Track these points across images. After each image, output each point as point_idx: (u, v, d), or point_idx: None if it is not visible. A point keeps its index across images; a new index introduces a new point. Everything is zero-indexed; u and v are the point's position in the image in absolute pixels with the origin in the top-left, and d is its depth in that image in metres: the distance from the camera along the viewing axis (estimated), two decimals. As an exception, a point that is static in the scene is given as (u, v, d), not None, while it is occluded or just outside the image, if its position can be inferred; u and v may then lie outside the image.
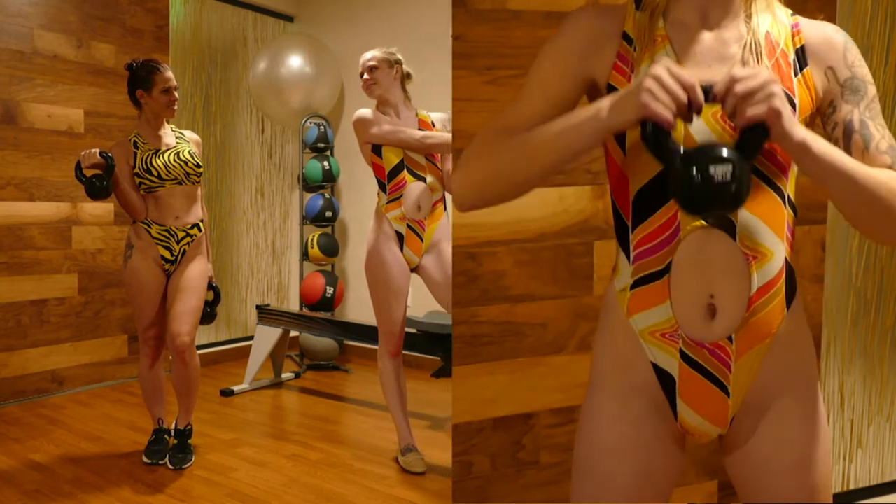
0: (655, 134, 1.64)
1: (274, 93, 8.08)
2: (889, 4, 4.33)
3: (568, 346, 3.41)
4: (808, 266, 3.63)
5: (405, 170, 4.81)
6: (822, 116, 1.90)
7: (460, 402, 3.32)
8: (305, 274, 8.25)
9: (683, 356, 1.87)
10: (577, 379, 3.37)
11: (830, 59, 1.87)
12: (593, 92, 1.95)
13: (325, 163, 8.19)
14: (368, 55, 4.91)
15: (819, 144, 1.65)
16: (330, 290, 7.91)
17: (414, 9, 7.84)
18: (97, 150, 4.67)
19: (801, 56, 1.86)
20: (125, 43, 7.28)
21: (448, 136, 4.87)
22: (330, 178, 8.23)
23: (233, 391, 6.90)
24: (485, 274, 3.30)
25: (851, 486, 4.48)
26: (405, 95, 5.01)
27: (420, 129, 4.88)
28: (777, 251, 1.83)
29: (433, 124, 4.98)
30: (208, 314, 5.17)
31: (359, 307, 8.35)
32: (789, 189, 1.86)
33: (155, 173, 4.80)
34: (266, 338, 7.06)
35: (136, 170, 4.81)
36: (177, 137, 5.03)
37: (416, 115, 4.97)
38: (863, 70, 1.88)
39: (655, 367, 1.91)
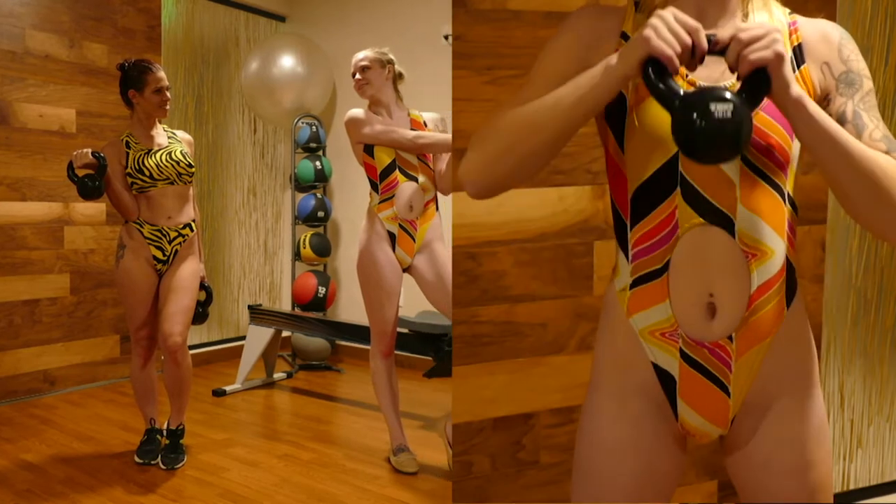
0: (656, 72, 1.63)
1: (266, 93, 8.08)
2: (889, 4, 4.33)
3: (568, 346, 3.41)
4: (808, 266, 3.63)
5: (397, 170, 4.81)
6: None
7: (460, 402, 3.32)
8: (297, 274, 8.25)
9: (683, 356, 1.87)
10: (577, 379, 3.37)
11: (826, 55, 1.87)
12: None
13: (317, 163, 8.19)
14: (360, 55, 4.92)
15: (814, 106, 1.65)
16: (322, 290, 7.90)
17: (406, 9, 7.85)
18: (89, 150, 4.67)
19: (799, 53, 1.86)
20: (117, 43, 7.28)
21: (440, 135, 4.88)
22: (322, 178, 8.23)
23: (225, 391, 6.90)
24: (485, 274, 3.30)
25: (851, 486, 4.48)
26: (397, 95, 5.01)
27: (412, 129, 4.88)
28: (777, 249, 1.82)
29: (425, 124, 4.98)
30: (200, 314, 5.17)
31: (351, 307, 8.35)
32: (788, 186, 1.85)
33: (147, 173, 4.80)
34: (258, 338, 7.06)
35: (129, 170, 4.81)
36: (169, 137, 5.03)
37: (408, 115, 4.97)
38: (858, 64, 1.88)
39: (656, 366, 1.91)
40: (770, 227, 1.81)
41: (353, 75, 4.91)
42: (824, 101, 1.87)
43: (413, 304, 6.25)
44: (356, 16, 8.31)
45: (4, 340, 6.55)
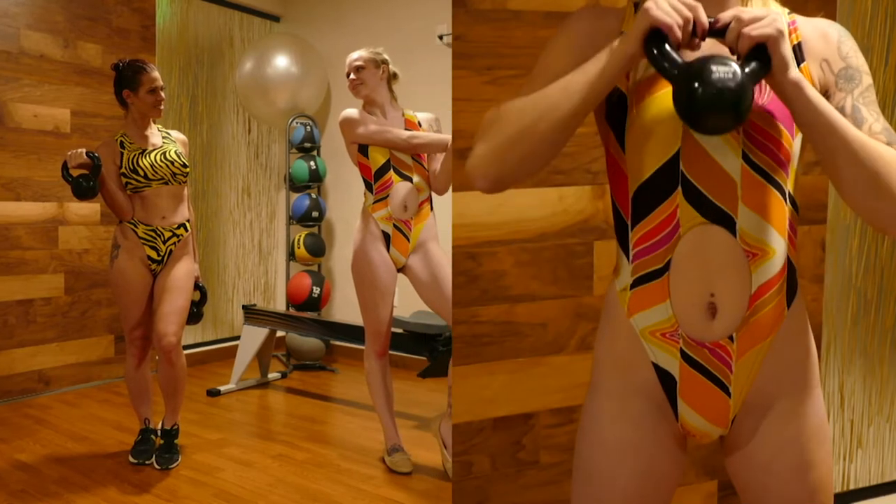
0: (657, 44, 1.63)
1: (260, 93, 8.08)
2: (889, 4, 4.33)
3: (568, 346, 3.40)
4: (808, 266, 3.62)
5: (392, 170, 4.81)
6: None
7: (460, 402, 3.31)
8: (292, 274, 8.25)
9: (684, 356, 1.86)
10: (577, 379, 3.36)
11: (825, 52, 1.87)
12: None
13: (312, 163, 8.19)
14: (355, 55, 4.92)
15: (813, 91, 1.65)
16: (316, 290, 7.91)
17: (400, 9, 7.84)
18: (84, 150, 4.68)
19: (798, 52, 1.86)
20: (112, 43, 7.27)
21: (435, 135, 4.89)
22: (316, 178, 8.23)
23: (219, 391, 6.90)
24: (485, 274, 3.29)
25: (851, 487, 4.48)
26: (391, 95, 5.02)
27: (406, 129, 4.89)
28: (778, 249, 1.82)
29: (420, 124, 4.99)
30: (195, 314, 5.18)
31: (345, 307, 8.35)
32: (789, 185, 1.85)
33: (141, 173, 4.81)
34: (252, 338, 7.06)
35: (123, 170, 4.81)
36: (163, 137, 5.03)
37: (403, 115, 4.98)
38: (857, 60, 1.88)
39: (656, 367, 1.90)
40: (771, 226, 1.81)
41: (348, 75, 4.91)
42: (824, 97, 1.86)
43: (407, 304, 6.25)
44: (350, 16, 8.31)
45: (-1, 340, 6.55)
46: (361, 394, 6.37)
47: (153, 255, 4.91)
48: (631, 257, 1.90)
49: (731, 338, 1.82)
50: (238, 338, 7.36)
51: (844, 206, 4.33)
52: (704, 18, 1.64)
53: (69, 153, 4.69)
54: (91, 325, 7.20)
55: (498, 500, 3.41)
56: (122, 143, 4.88)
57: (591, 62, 1.74)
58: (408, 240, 4.86)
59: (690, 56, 1.65)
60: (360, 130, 4.81)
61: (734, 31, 1.62)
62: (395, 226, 4.84)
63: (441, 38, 7.31)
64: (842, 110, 1.81)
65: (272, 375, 7.49)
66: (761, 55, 1.61)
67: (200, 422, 6.03)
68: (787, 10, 1.93)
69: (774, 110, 1.79)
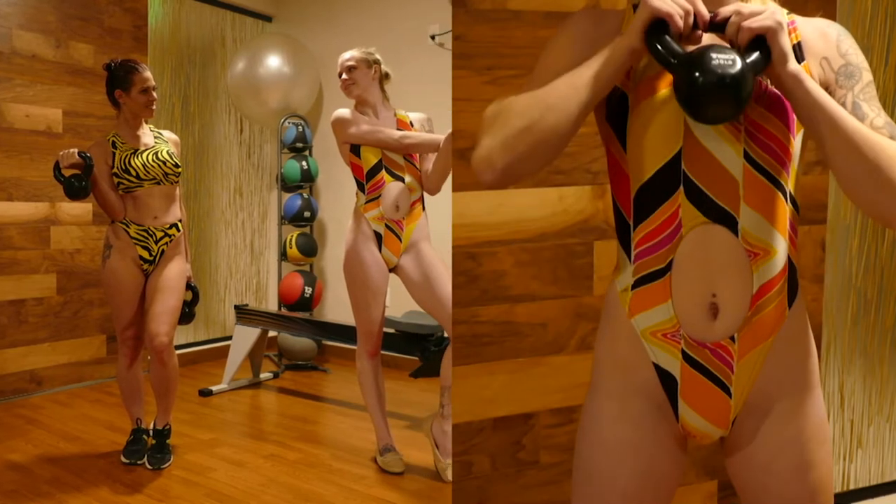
0: (658, 32, 1.64)
1: (252, 93, 8.08)
2: (889, 4, 4.34)
3: (568, 346, 3.40)
4: (808, 266, 3.62)
5: (383, 170, 4.81)
6: None
7: (460, 402, 3.31)
8: (284, 274, 8.25)
9: (685, 356, 1.86)
10: (577, 379, 3.36)
11: (825, 51, 1.88)
12: None
13: (304, 163, 8.20)
14: (347, 55, 4.92)
15: (812, 83, 1.66)
16: (308, 290, 7.91)
17: (393, 9, 7.85)
18: (75, 150, 4.67)
19: (798, 52, 1.86)
20: (103, 43, 7.27)
21: (427, 135, 4.89)
22: (308, 178, 8.24)
23: (211, 391, 6.90)
24: (485, 274, 3.29)
25: (851, 487, 4.47)
26: (383, 95, 5.02)
27: (398, 129, 4.89)
28: (779, 248, 1.82)
29: (412, 124, 4.99)
30: (187, 314, 5.18)
31: (337, 307, 8.35)
32: (790, 184, 1.85)
33: (133, 173, 4.81)
34: (244, 338, 7.06)
35: (115, 170, 4.81)
36: (155, 137, 5.03)
37: (395, 115, 4.98)
38: (857, 58, 1.88)
39: (657, 367, 1.90)
40: (772, 225, 1.81)
41: (340, 75, 4.92)
42: None
43: (399, 304, 6.25)
44: (342, 16, 8.31)
45: (-10, 340, 6.55)
46: (353, 394, 6.37)
47: (145, 255, 4.91)
48: (633, 257, 1.90)
49: (732, 338, 1.82)
50: (230, 338, 7.35)
51: (844, 206, 4.34)
52: (705, 10, 1.65)
53: (61, 153, 4.69)
54: (83, 325, 7.20)
55: (498, 500, 3.42)
56: (114, 143, 4.88)
57: (594, 58, 1.75)
58: (399, 240, 4.86)
59: (691, 49, 1.66)
60: (352, 130, 4.82)
61: (734, 24, 1.63)
62: (386, 226, 4.84)
63: (433, 38, 7.31)
64: (843, 106, 1.80)
65: (264, 375, 7.50)
66: (761, 47, 1.62)
67: (192, 422, 6.03)
68: (785, 11, 1.92)
69: (775, 110, 1.80)
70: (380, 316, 4.94)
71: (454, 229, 3.24)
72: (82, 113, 7.11)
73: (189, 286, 5.16)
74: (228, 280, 8.75)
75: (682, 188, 1.80)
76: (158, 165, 4.88)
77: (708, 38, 1.76)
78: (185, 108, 8.23)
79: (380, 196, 4.81)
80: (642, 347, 1.90)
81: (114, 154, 4.84)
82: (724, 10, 1.66)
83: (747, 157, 1.78)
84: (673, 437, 1.97)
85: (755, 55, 1.61)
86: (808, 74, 1.71)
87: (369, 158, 4.80)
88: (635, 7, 1.92)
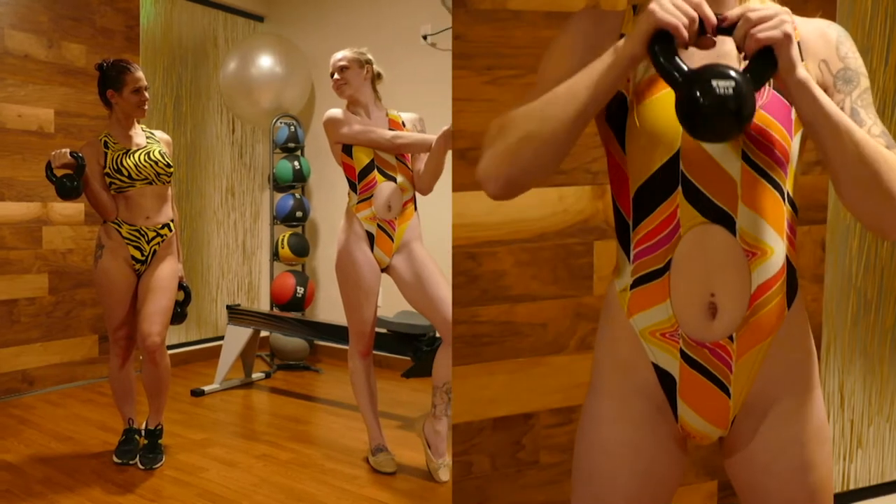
0: (663, 48, 1.63)
1: (244, 93, 8.08)
2: (889, 4, 4.33)
3: (568, 346, 3.40)
4: (808, 266, 3.62)
5: (375, 170, 4.82)
6: None
7: (460, 402, 3.31)
8: (276, 274, 8.25)
9: (684, 356, 1.86)
10: (577, 379, 3.36)
11: (824, 52, 1.88)
12: None
13: (296, 163, 8.19)
14: (339, 55, 4.92)
15: (818, 90, 1.65)
16: (300, 290, 7.91)
17: (384, 9, 7.85)
18: (67, 150, 4.67)
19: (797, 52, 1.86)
20: (96, 43, 7.26)
21: (418, 136, 4.89)
22: (300, 178, 8.23)
23: (203, 391, 6.90)
24: (485, 274, 3.29)
25: (851, 487, 4.47)
26: (375, 95, 5.02)
27: (390, 129, 4.89)
28: (777, 248, 1.82)
29: (403, 124, 5.00)
30: (179, 314, 5.18)
31: (329, 307, 8.35)
32: (788, 185, 1.85)
33: (125, 173, 4.81)
34: (236, 338, 7.06)
35: (107, 170, 4.81)
36: (147, 137, 5.03)
37: (387, 114, 4.98)
38: (856, 62, 1.89)
39: (656, 367, 1.90)
40: (770, 225, 1.81)
41: (332, 75, 4.92)
42: None
43: (391, 304, 6.26)
44: (334, 16, 8.31)
45: (-18, 340, 6.54)
46: (345, 394, 6.37)
47: (137, 255, 4.91)
48: (632, 257, 1.90)
49: (731, 338, 1.82)
50: (222, 338, 7.35)
51: (844, 207, 4.35)
52: (711, 15, 1.63)
53: (53, 153, 4.69)
54: (75, 325, 7.20)
55: (498, 500, 3.41)
56: (106, 143, 4.88)
57: (594, 64, 1.75)
58: (392, 240, 4.87)
59: (698, 58, 1.66)
60: (344, 130, 4.82)
61: (741, 30, 1.62)
62: (379, 226, 4.84)
63: (425, 37, 7.32)
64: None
65: (256, 375, 7.50)
66: (768, 57, 1.61)
67: (184, 422, 6.03)
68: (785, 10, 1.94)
69: (774, 111, 1.80)
70: (372, 316, 4.94)
71: (454, 229, 3.24)
72: (74, 113, 7.10)
73: (181, 286, 5.16)
74: (220, 280, 8.75)
75: (680, 188, 1.81)
76: (150, 165, 4.88)
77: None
78: (177, 108, 8.23)
79: (372, 196, 4.81)
80: (641, 347, 1.90)
81: (106, 154, 4.84)
82: (732, 14, 1.64)
83: (745, 157, 1.78)
84: (672, 438, 1.97)
85: (761, 69, 1.61)
86: (814, 82, 1.72)
87: (361, 158, 4.81)
88: (635, 8, 1.93)
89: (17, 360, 6.75)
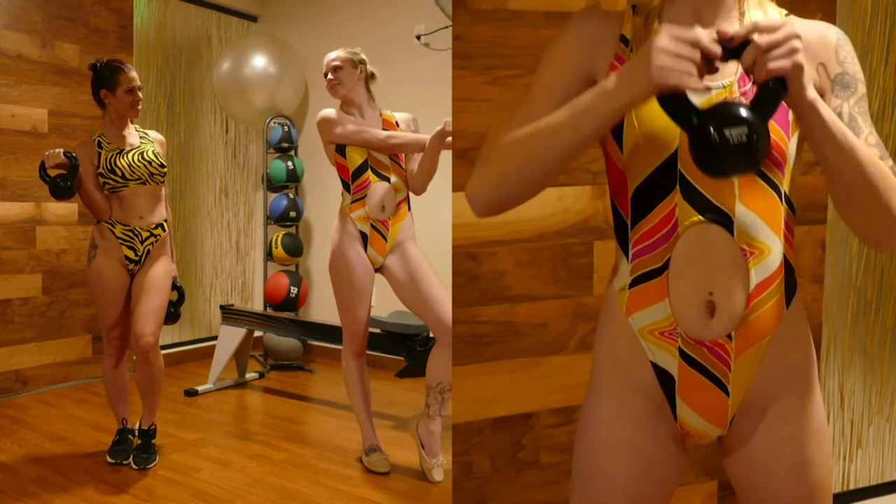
0: (672, 101, 1.63)
1: (238, 93, 8.08)
2: (889, 4, 4.33)
3: (568, 346, 3.40)
4: (808, 266, 3.62)
5: (369, 170, 4.82)
6: None
7: (460, 402, 3.30)
8: (269, 274, 8.25)
9: (683, 355, 1.86)
10: (577, 379, 3.35)
11: (823, 56, 1.88)
12: None
13: (289, 163, 8.20)
14: (332, 55, 4.93)
15: (826, 109, 1.64)
16: (294, 290, 7.91)
17: (378, 9, 7.84)
18: (61, 150, 4.67)
19: None
20: (89, 43, 7.26)
21: (412, 136, 4.90)
22: (294, 178, 8.24)
23: (197, 391, 6.89)
24: (485, 274, 3.29)
25: (851, 487, 4.47)
26: (369, 95, 5.02)
27: (384, 129, 4.90)
28: (774, 247, 1.82)
29: (397, 124, 5.00)
30: (172, 314, 5.17)
31: (323, 307, 8.35)
32: (785, 185, 1.85)
33: (119, 173, 4.81)
34: (230, 338, 7.05)
35: (100, 170, 4.81)
36: (141, 137, 5.03)
37: (381, 115, 4.99)
38: (854, 67, 1.89)
39: (655, 366, 1.90)
40: (767, 225, 1.81)
41: (325, 75, 4.92)
42: None
43: (385, 304, 6.26)
44: (328, 16, 8.31)
45: (-25, 341, 6.53)
46: (339, 394, 6.36)
47: (131, 255, 4.91)
48: (630, 256, 1.90)
49: (729, 336, 1.82)
50: (215, 338, 7.35)
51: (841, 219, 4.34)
52: (715, 48, 1.59)
53: (47, 153, 4.68)
54: (69, 325, 7.19)
55: (498, 500, 3.41)
56: (99, 143, 4.88)
57: (587, 102, 1.73)
58: (385, 240, 4.87)
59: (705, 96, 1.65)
60: (338, 130, 4.82)
61: (750, 57, 1.58)
62: (372, 226, 4.84)
63: (419, 38, 7.32)
64: (839, 117, 1.81)
65: (250, 375, 7.49)
66: (778, 84, 1.59)
67: (178, 422, 6.03)
68: (784, 11, 1.93)
69: None
70: (365, 316, 4.95)
71: (454, 229, 3.24)
72: (68, 113, 7.10)
73: (175, 286, 5.16)
74: (214, 280, 8.74)
75: (678, 188, 1.81)
76: (144, 165, 4.88)
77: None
78: (170, 108, 8.23)
79: (365, 196, 4.81)
80: (640, 347, 1.91)
81: (99, 154, 4.84)
82: (739, 35, 1.60)
83: None
84: (672, 437, 1.97)
85: (771, 99, 1.59)
86: (822, 102, 1.73)
87: (355, 158, 4.81)
88: (635, 7, 1.93)
89: (10, 361, 6.74)
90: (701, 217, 1.80)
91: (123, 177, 4.82)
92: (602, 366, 2.00)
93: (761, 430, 1.91)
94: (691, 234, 1.81)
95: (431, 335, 5.31)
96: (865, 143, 1.80)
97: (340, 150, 4.84)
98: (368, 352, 5.15)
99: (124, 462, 5.05)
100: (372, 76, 5.03)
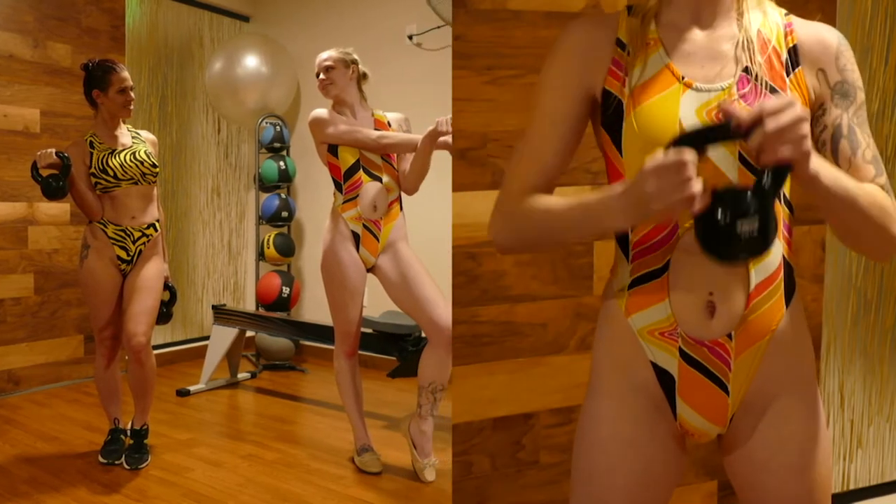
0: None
1: (230, 93, 8.08)
2: (889, 4, 4.32)
3: (568, 346, 3.40)
4: (808, 266, 3.62)
5: (361, 170, 4.82)
6: (812, 118, 1.88)
7: (460, 402, 3.30)
8: (261, 274, 8.25)
9: (683, 355, 1.87)
10: (577, 379, 3.34)
11: (823, 61, 1.87)
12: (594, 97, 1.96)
13: (281, 163, 8.20)
14: (324, 55, 4.93)
15: (827, 171, 1.65)
16: (286, 290, 7.91)
17: (370, 10, 7.85)
18: (53, 150, 4.67)
19: (794, 55, 1.86)
20: (81, 43, 7.26)
21: (404, 136, 4.90)
22: (286, 178, 8.24)
23: (189, 391, 6.89)
24: (485, 274, 3.29)
25: (851, 487, 4.47)
26: (361, 95, 5.03)
27: (376, 129, 4.90)
28: (774, 248, 1.82)
29: (389, 124, 5.00)
30: (164, 314, 5.17)
31: (315, 307, 8.34)
32: (784, 186, 1.84)
33: (111, 173, 4.81)
34: (222, 338, 7.05)
35: (93, 170, 4.81)
36: (133, 137, 5.03)
37: (372, 115, 4.99)
38: (854, 74, 1.88)
39: (655, 366, 1.90)
40: None
41: (317, 75, 4.92)
42: (819, 109, 1.87)
43: (377, 304, 6.26)
44: (320, 16, 8.31)
45: (-33, 341, 6.53)
46: (331, 394, 6.36)
47: (123, 255, 4.91)
48: (630, 257, 1.91)
49: (729, 336, 1.83)
50: (207, 338, 7.34)
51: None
52: (692, 180, 1.57)
53: (39, 153, 4.68)
54: (61, 325, 7.19)
55: (498, 500, 3.41)
56: (91, 143, 4.88)
57: (596, 210, 1.76)
58: (377, 240, 4.87)
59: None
60: (330, 130, 4.82)
61: (757, 142, 1.56)
62: (364, 226, 4.84)
63: (410, 38, 7.33)
64: (838, 129, 1.84)
65: (242, 375, 7.49)
66: (785, 166, 1.60)
67: (170, 422, 6.03)
68: (783, 11, 1.93)
69: None
70: (357, 316, 4.95)
71: (454, 229, 3.24)
72: (60, 113, 7.09)
73: (167, 286, 5.16)
74: (206, 280, 8.75)
75: None
76: (136, 165, 4.88)
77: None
78: (162, 108, 8.23)
79: (357, 196, 4.81)
80: (640, 347, 1.91)
81: (91, 154, 4.84)
82: (745, 121, 1.56)
83: (742, 159, 1.78)
84: (671, 436, 1.97)
85: (777, 179, 1.61)
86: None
87: (347, 158, 4.81)
88: (629, 9, 1.93)
89: (2, 360, 6.73)
90: None
91: (115, 177, 4.82)
92: (601, 366, 2.01)
93: (761, 429, 1.92)
94: (692, 236, 1.80)
95: (423, 335, 5.32)
96: (863, 157, 1.82)
97: (332, 150, 4.84)
98: (360, 352, 5.15)
99: (116, 462, 5.05)
100: (364, 76, 5.03)
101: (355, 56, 4.98)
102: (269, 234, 8.15)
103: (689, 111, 1.79)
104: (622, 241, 1.94)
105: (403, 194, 5.02)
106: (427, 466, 4.79)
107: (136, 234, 4.93)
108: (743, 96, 1.80)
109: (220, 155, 8.87)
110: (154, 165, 4.97)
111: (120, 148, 4.92)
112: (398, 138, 4.86)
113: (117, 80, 4.87)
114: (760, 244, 1.61)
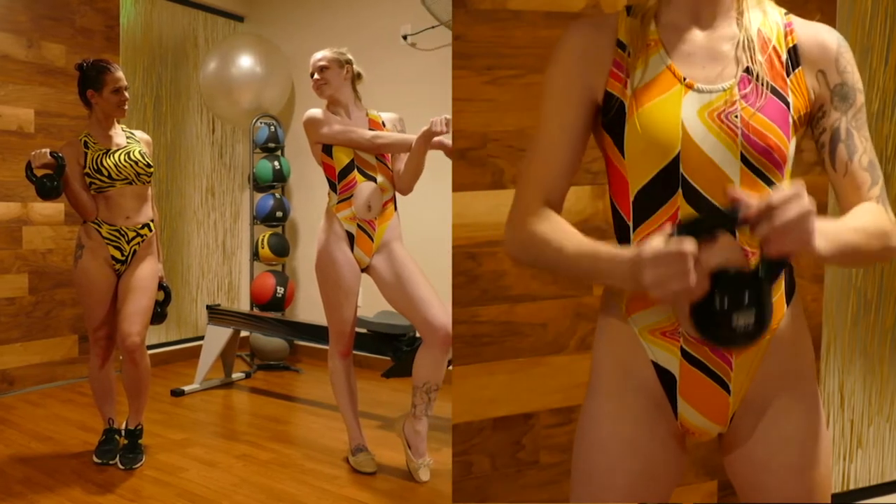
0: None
1: (224, 93, 8.07)
2: (889, 4, 4.33)
3: (568, 346, 3.40)
4: (808, 266, 3.61)
5: (355, 170, 4.82)
6: (811, 119, 1.91)
7: (460, 402, 3.31)
8: (256, 274, 8.24)
9: (684, 354, 1.88)
10: (577, 379, 3.34)
11: (823, 63, 1.88)
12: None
13: (276, 163, 8.19)
14: (319, 55, 4.92)
15: (828, 244, 1.64)
16: (280, 290, 7.91)
17: (365, 9, 7.85)
18: (47, 150, 4.66)
19: (794, 56, 1.87)
20: (75, 43, 7.25)
21: (399, 135, 4.89)
22: (280, 178, 8.23)
23: (183, 391, 6.89)
24: (485, 274, 3.29)
25: (851, 486, 4.47)
26: (355, 95, 5.02)
27: (370, 129, 4.90)
28: None
29: (384, 124, 5.00)
30: (159, 314, 5.17)
31: (309, 307, 8.35)
32: (785, 186, 1.84)
33: (105, 173, 4.80)
34: (216, 338, 7.05)
35: (87, 170, 4.81)
36: (127, 137, 5.03)
37: (367, 115, 4.98)
38: (853, 76, 1.89)
39: (656, 365, 1.92)
40: None
41: (312, 75, 4.92)
42: (818, 110, 1.89)
43: (371, 304, 6.26)
44: (314, 16, 8.31)
45: (-39, 341, 6.52)
46: (325, 394, 6.35)
47: (117, 255, 4.91)
48: None
49: None
50: (202, 338, 7.34)
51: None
52: (689, 269, 1.59)
53: (33, 153, 4.67)
54: (55, 325, 7.18)
55: (498, 500, 3.42)
56: (85, 143, 4.88)
57: (602, 262, 1.79)
58: (372, 240, 4.86)
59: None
60: (324, 130, 4.82)
61: (763, 234, 1.58)
62: (358, 226, 4.84)
63: (405, 38, 7.33)
64: (837, 133, 1.85)
65: (236, 375, 7.49)
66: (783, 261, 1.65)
67: (164, 422, 6.03)
68: (783, 11, 1.93)
69: (771, 114, 1.82)
70: (352, 316, 4.95)
71: (454, 229, 3.24)
72: (54, 113, 7.09)
73: (161, 286, 5.15)
74: (200, 280, 8.74)
75: (680, 191, 1.83)
76: (130, 165, 4.87)
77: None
78: (156, 108, 8.22)
79: (352, 196, 4.80)
80: (640, 346, 1.93)
81: (86, 154, 4.83)
82: (751, 214, 1.58)
83: (744, 159, 1.80)
84: (672, 435, 1.98)
85: (778, 269, 1.69)
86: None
87: (341, 158, 4.80)
88: (628, 10, 1.94)
89: (-4, 361, 6.74)
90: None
91: (110, 177, 4.81)
92: (602, 365, 2.02)
93: (761, 429, 1.93)
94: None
95: (418, 335, 5.32)
96: (859, 163, 1.84)
97: (327, 150, 4.84)
98: (355, 352, 5.15)
99: (111, 462, 5.04)
100: (358, 76, 5.02)
101: (350, 56, 4.97)
102: (264, 234, 8.14)
103: (690, 112, 1.80)
104: (624, 240, 1.95)
105: (398, 194, 5.01)
106: (421, 466, 4.79)
107: (131, 234, 4.92)
108: (744, 97, 1.81)
109: (214, 155, 8.86)
110: (149, 165, 4.96)
111: (114, 148, 4.91)
112: (392, 138, 4.86)
113: (112, 80, 4.86)
114: (757, 334, 1.65)
